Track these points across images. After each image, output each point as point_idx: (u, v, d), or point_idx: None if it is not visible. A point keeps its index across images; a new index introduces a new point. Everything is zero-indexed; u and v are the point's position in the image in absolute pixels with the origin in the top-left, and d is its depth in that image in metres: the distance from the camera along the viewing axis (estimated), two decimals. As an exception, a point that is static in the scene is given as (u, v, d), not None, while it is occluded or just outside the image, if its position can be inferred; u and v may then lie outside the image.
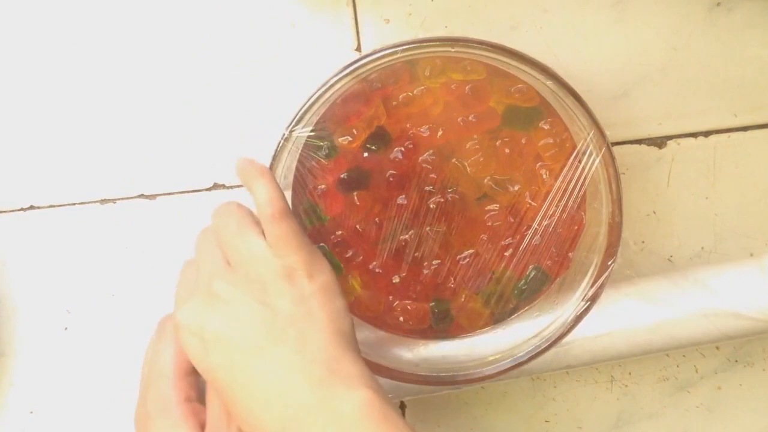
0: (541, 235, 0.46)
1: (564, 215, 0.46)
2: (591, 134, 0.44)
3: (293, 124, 0.44)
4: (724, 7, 0.49)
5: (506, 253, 0.47)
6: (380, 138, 0.46)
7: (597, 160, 0.44)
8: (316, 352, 0.38)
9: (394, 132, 0.46)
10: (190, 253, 0.44)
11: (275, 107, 0.50)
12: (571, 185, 0.45)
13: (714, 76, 0.49)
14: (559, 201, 0.45)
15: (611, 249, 0.45)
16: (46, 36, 0.51)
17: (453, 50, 0.44)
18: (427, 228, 0.46)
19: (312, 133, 0.44)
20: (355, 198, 0.46)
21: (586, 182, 0.45)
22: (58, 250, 0.52)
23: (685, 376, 0.52)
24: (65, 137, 0.51)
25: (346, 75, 0.43)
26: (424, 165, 0.46)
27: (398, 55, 0.43)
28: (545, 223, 0.46)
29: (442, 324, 0.48)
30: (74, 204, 0.52)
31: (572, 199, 0.45)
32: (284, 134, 0.44)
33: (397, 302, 0.47)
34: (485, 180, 0.46)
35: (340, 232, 0.47)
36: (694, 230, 0.50)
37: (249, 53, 0.50)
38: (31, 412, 0.53)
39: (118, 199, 0.52)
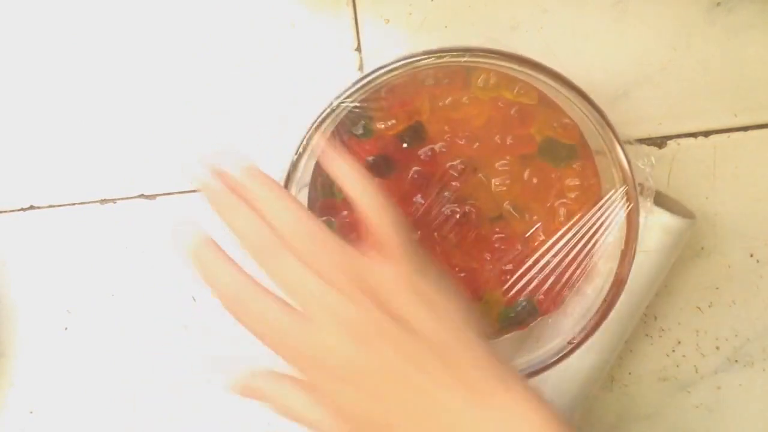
0: (541, 270, 0.46)
1: (570, 258, 0.45)
2: (621, 190, 0.44)
3: (343, 96, 0.43)
4: (724, 7, 0.49)
5: (503, 278, 0.46)
6: (416, 133, 0.46)
7: (620, 217, 0.44)
8: (472, 366, 0.35)
9: (431, 131, 0.46)
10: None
11: (275, 107, 0.50)
12: (588, 234, 0.45)
13: (714, 76, 0.49)
14: (570, 244, 0.45)
15: (608, 307, 0.44)
16: (46, 37, 0.51)
17: (518, 68, 0.43)
18: (435, 233, 0.46)
19: (357, 110, 0.44)
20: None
21: (602, 237, 0.45)
22: (58, 250, 0.52)
23: (685, 376, 0.52)
24: (65, 137, 0.51)
25: (404, 66, 0.43)
26: (450, 171, 0.46)
27: (465, 59, 0.43)
28: (550, 260, 0.45)
29: None
30: (74, 204, 0.52)
31: (584, 247, 0.45)
32: (332, 103, 0.43)
33: None
34: (505, 203, 0.46)
35: (347, 213, 0.47)
36: (694, 230, 0.50)
37: (249, 53, 0.50)
38: (31, 412, 0.53)
39: (118, 199, 0.52)
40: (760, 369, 0.52)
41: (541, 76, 0.43)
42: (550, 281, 0.46)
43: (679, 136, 0.50)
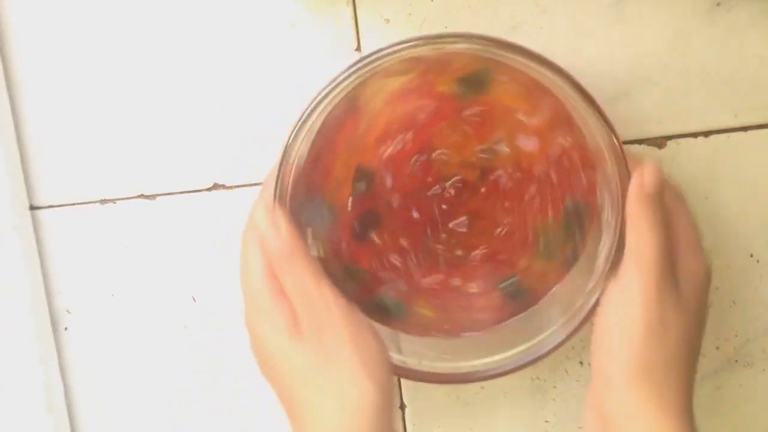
0: (555, 171, 0.45)
1: (562, 147, 0.45)
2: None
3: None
4: (724, 7, 0.49)
5: (535, 204, 0.46)
6: (364, 176, 0.46)
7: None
8: None
9: (372, 167, 0.46)
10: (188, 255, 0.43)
11: (275, 107, 0.50)
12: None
13: (714, 76, 0.49)
14: (552, 137, 0.45)
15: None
16: (45, 37, 0.51)
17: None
18: (451, 224, 0.47)
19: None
20: (375, 238, 0.47)
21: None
22: (58, 250, 0.52)
23: (685, 376, 0.52)
24: (63, 137, 0.51)
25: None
26: (414, 173, 0.46)
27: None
28: (551, 160, 0.45)
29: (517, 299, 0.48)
30: (73, 204, 0.52)
31: (563, 135, 0.45)
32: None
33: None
34: (475, 156, 0.46)
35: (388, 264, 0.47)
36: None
37: (248, 53, 0.50)
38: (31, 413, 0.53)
39: (118, 199, 0.52)
40: (760, 369, 0.52)
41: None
42: (570, 173, 0.45)
43: (679, 136, 0.50)
